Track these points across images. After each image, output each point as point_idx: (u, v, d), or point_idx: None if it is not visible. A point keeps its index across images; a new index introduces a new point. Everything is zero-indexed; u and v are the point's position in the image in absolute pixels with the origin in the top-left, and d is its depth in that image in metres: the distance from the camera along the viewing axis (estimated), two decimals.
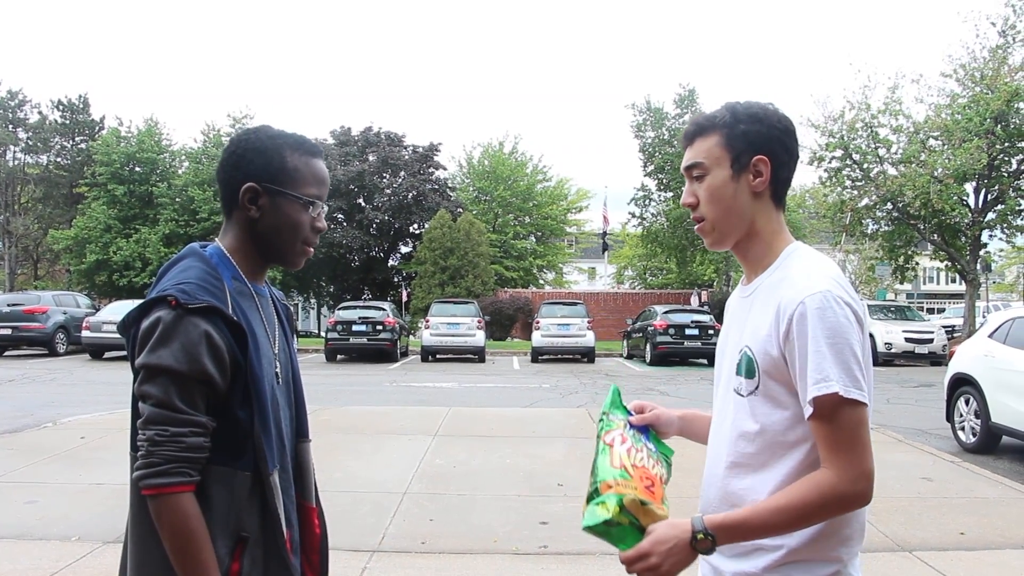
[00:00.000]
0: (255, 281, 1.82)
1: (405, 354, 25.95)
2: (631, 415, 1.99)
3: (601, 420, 1.94)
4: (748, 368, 1.70)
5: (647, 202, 38.50)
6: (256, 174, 1.74)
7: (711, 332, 22.99)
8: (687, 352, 23.28)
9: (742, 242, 1.79)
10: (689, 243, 36.43)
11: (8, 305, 24.85)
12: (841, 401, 1.56)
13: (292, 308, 2.03)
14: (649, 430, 1.99)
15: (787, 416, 1.66)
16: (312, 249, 1.84)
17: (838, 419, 1.56)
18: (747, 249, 1.80)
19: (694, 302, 33.01)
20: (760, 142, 1.73)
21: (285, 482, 1.74)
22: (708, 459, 1.87)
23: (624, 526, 1.67)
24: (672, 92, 39.59)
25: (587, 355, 24.52)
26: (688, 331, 23.09)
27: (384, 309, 24.96)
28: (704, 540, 1.60)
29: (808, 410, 1.59)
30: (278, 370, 1.78)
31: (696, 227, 1.83)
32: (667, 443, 2.05)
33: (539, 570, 5.08)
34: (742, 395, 1.72)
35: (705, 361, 23.56)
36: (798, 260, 1.72)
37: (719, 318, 25.99)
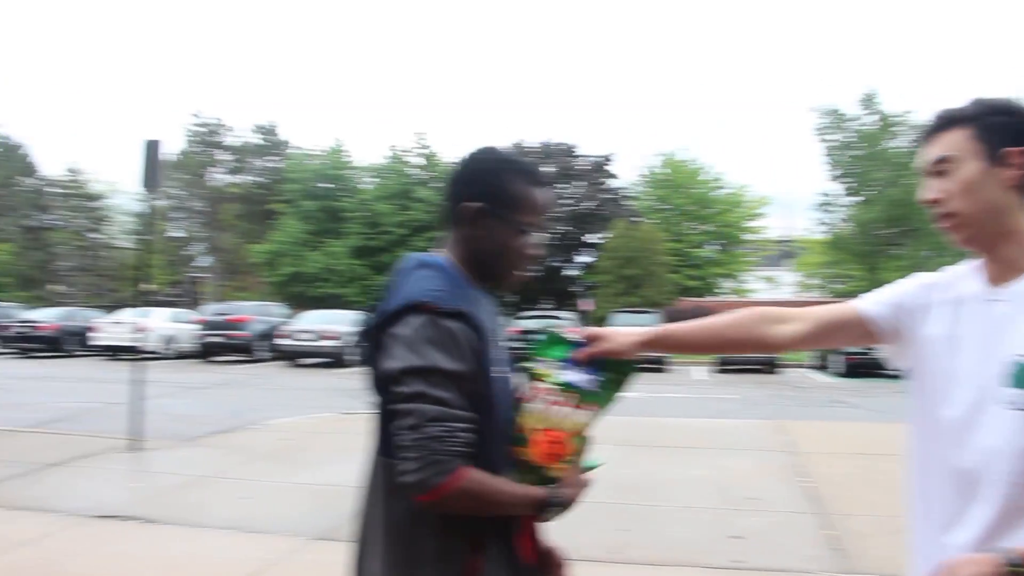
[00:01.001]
0: (479, 289, 1.88)
1: None
2: (570, 352, 1.86)
3: (526, 372, 1.86)
4: None
5: (832, 207, 37.17)
6: (482, 195, 1.81)
7: None
8: (879, 363, 22.22)
9: (994, 240, 1.70)
10: (878, 249, 34.90)
11: (216, 315, 26.69)
12: None
13: None
14: (603, 360, 1.86)
15: None
16: (524, 275, 1.90)
17: None
18: (999, 248, 1.70)
19: None
20: (1013, 134, 1.66)
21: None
22: (935, 489, 1.81)
23: None
24: (856, 93, 38.08)
25: (772, 366, 23.88)
26: None
27: (565, 319, 25.14)
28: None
29: None
30: (502, 374, 1.83)
31: (943, 224, 1.74)
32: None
33: None
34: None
35: (899, 373, 22.41)
36: None
37: None
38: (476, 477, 1.63)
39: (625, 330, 1.99)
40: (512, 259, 1.86)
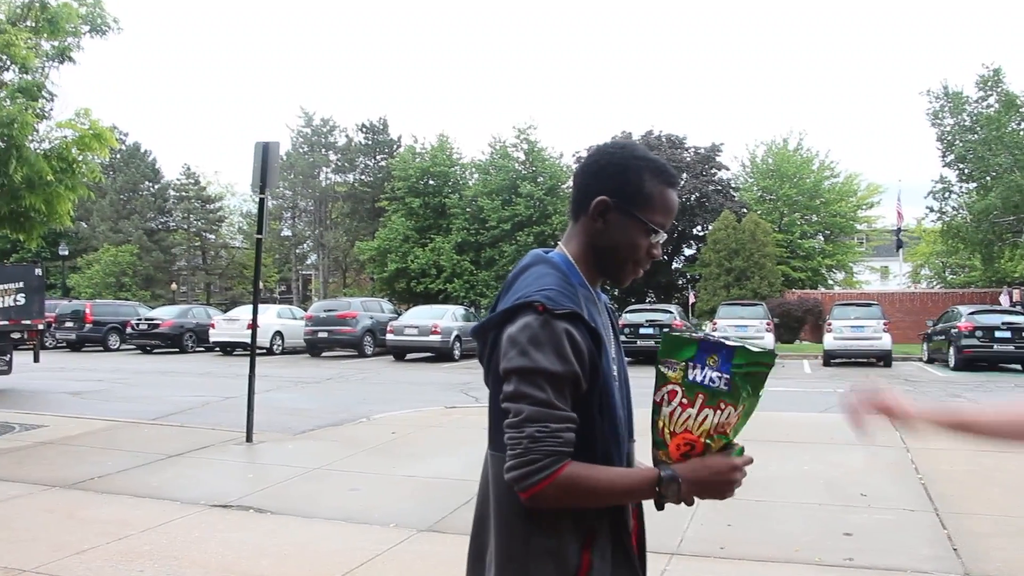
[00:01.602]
0: (594, 286, 1.88)
1: None
2: (696, 350, 1.72)
3: (656, 375, 1.76)
4: None
5: (947, 195, 35.69)
6: (612, 189, 1.80)
7: None
8: (997, 357, 21.34)
9: None
10: (996, 237, 33.43)
11: (325, 311, 27.33)
12: None
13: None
14: (734, 348, 1.70)
15: None
16: (642, 272, 1.89)
17: None
18: None
19: (1004, 302, 30.22)
20: None
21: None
22: None
23: None
24: (973, 74, 36.47)
25: (883, 359, 23.16)
26: (998, 333, 21.14)
27: (671, 312, 24.95)
28: None
29: None
30: (615, 372, 1.83)
31: None
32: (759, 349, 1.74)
33: None
34: None
35: (1019, 367, 21.51)
36: None
37: None
38: (577, 472, 1.62)
39: (908, 400, 1.93)
40: (633, 257, 1.85)
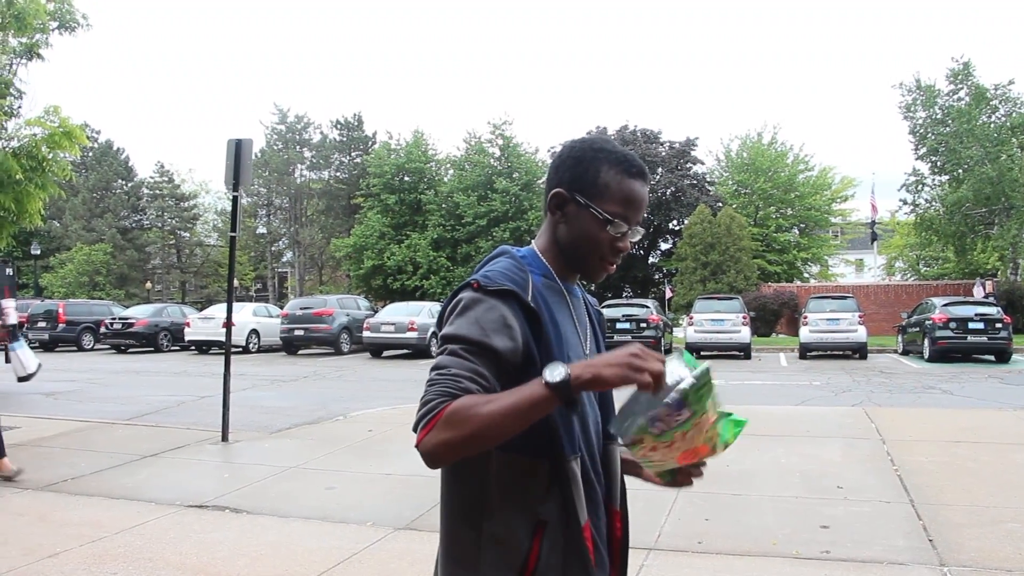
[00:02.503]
0: (567, 281, 1.86)
1: (669, 351, 25.80)
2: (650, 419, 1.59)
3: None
4: None
5: (919, 187, 36.03)
6: (567, 181, 1.79)
7: (999, 326, 21.22)
8: (970, 348, 21.56)
9: None
10: (969, 229, 33.77)
11: (301, 309, 27.21)
12: None
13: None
14: (681, 399, 1.56)
15: None
16: (612, 267, 1.85)
17: None
18: None
19: (978, 293, 30.52)
20: None
21: (588, 472, 1.76)
22: None
23: None
24: (944, 67, 36.79)
25: (859, 351, 23.37)
26: (972, 325, 21.37)
27: (647, 306, 25.01)
28: None
29: None
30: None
31: None
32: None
33: None
34: None
35: (992, 358, 21.74)
36: None
37: (1007, 310, 23.96)
38: (462, 402, 1.54)
39: None
40: (595, 250, 1.81)
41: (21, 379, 8.01)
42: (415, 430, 1.58)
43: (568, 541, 1.71)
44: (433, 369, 1.64)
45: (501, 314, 1.65)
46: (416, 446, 1.57)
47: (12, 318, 7.85)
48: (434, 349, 24.31)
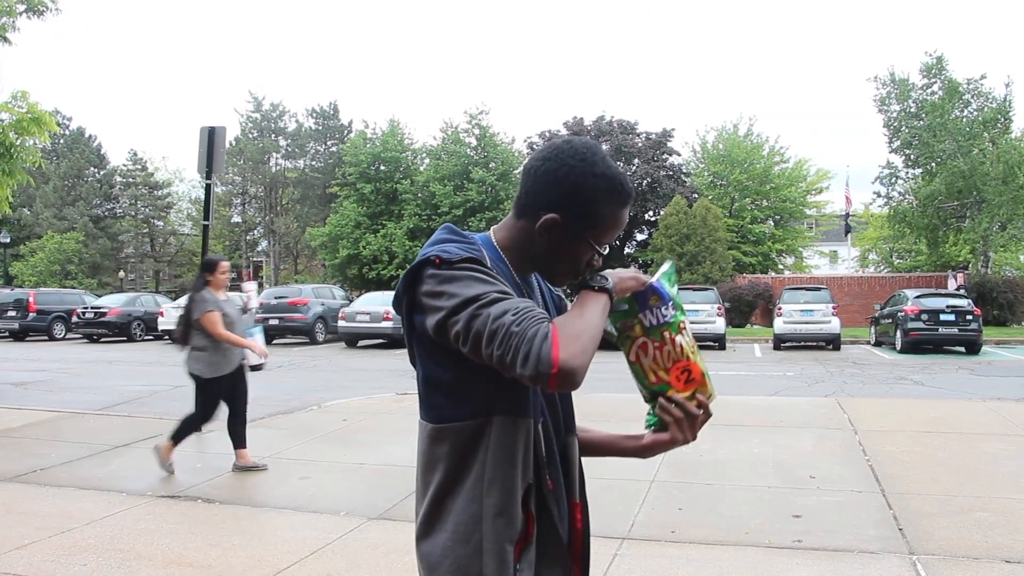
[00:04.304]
0: (521, 273, 1.83)
1: None
2: (636, 296, 1.76)
3: (619, 342, 1.82)
4: None
5: (893, 180, 36.28)
6: (564, 208, 1.72)
7: (969, 317, 21.46)
8: (942, 339, 21.82)
9: None
10: (941, 222, 34.06)
11: (275, 298, 27.06)
12: None
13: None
14: (660, 282, 1.77)
15: None
16: (574, 280, 1.81)
17: None
18: None
19: (951, 285, 30.84)
20: None
21: (551, 444, 1.78)
22: None
23: None
24: (917, 61, 37.12)
25: (832, 342, 23.61)
26: (943, 316, 21.65)
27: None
28: None
29: None
30: None
31: None
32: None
33: (794, 565, 4.94)
34: None
35: (962, 349, 21.99)
36: None
37: (978, 302, 24.21)
38: (559, 321, 1.55)
39: None
40: (573, 269, 1.79)
41: (254, 367, 8.04)
42: (534, 365, 1.48)
43: (540, 503, 1.74)
44: (494, 320, 1.52)
45: (480, 271, 1.61)
46: (557, 367, 1.47)
47: (254, 302, 7.82)
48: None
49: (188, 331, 7.34)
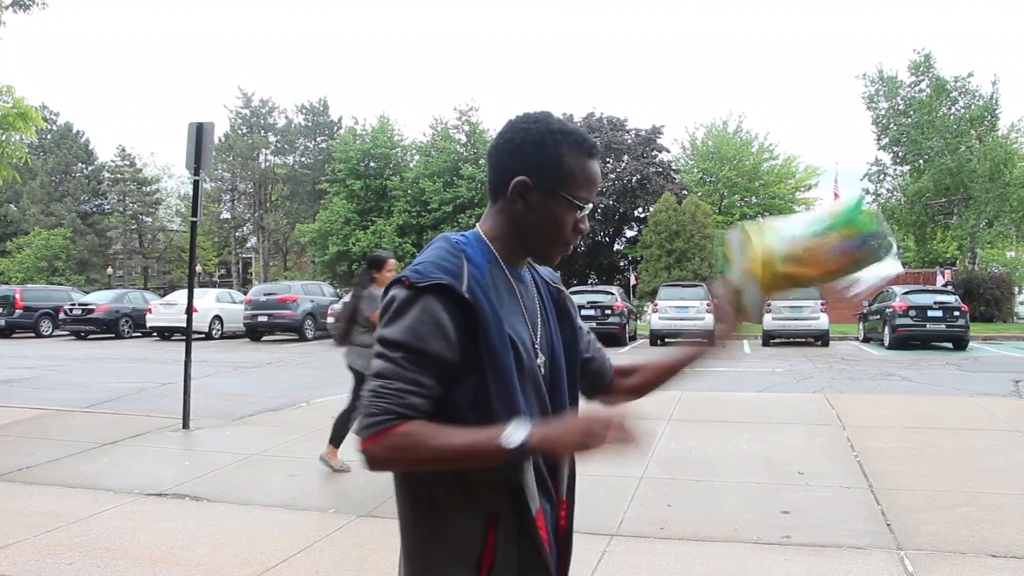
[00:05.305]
0: (514, 266, 1.81)
1: (634, 338, 25.93)
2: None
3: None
4: None
5: (881, 177, 36.51)
6: (530, 169, 1.72)
7: (956, 314, 21.56)
8: (929, 335, 21.93)
9: None
10: (928, 219, 34.23)
11: (264, 294, 27.00)
12: None
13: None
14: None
15: None
16: (571, 248, 1.82)
17: None
18: None
19: (939, 282, 30.97)
20: None
21: (538, 460, 1.74)
22: None
23: None
24: (906, 59, 37.16)
25: (821, 338, 23.68)
26: (931, 312, 21.76)
27: (612, 293, 25.05)
28: None
29: None
30: (540, 362, 1.77)
31: None
32: None
33: (782, 561, 4.95)
34: None
35: (950, 345, 22.09)
36: None
37: (965, 299, 24.31)
38: (414, 431, 1.57)
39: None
40: (560, 235, 1.77)
41: None
42: (357, 434, 1.60)
43: (522, 532, 1.69)
44: (374, 376, 1.61)
45: (435, 316, 1.61)
46: (360, 451, 1.59)
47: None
48: None
49: (351, 328, 7.30)
